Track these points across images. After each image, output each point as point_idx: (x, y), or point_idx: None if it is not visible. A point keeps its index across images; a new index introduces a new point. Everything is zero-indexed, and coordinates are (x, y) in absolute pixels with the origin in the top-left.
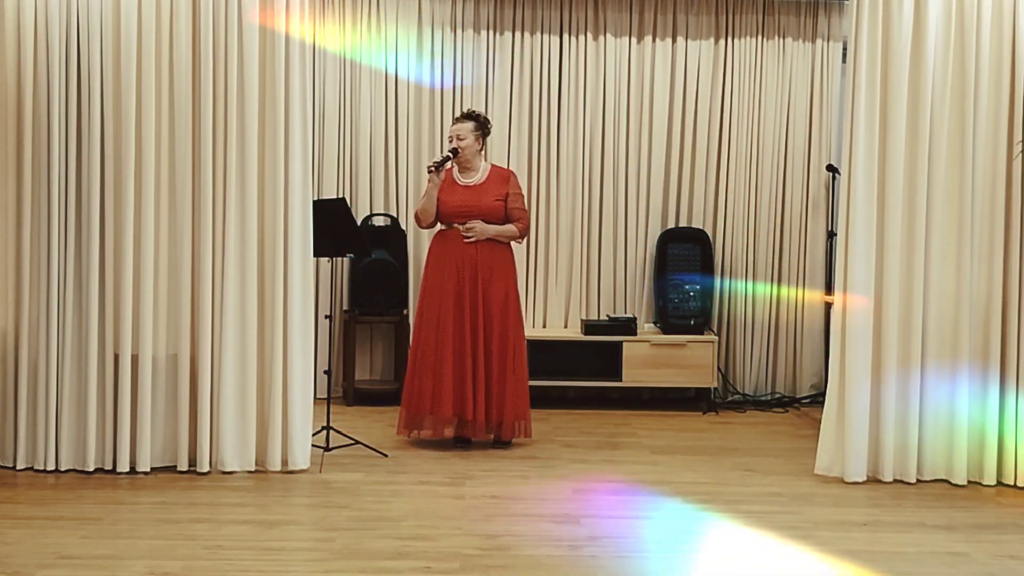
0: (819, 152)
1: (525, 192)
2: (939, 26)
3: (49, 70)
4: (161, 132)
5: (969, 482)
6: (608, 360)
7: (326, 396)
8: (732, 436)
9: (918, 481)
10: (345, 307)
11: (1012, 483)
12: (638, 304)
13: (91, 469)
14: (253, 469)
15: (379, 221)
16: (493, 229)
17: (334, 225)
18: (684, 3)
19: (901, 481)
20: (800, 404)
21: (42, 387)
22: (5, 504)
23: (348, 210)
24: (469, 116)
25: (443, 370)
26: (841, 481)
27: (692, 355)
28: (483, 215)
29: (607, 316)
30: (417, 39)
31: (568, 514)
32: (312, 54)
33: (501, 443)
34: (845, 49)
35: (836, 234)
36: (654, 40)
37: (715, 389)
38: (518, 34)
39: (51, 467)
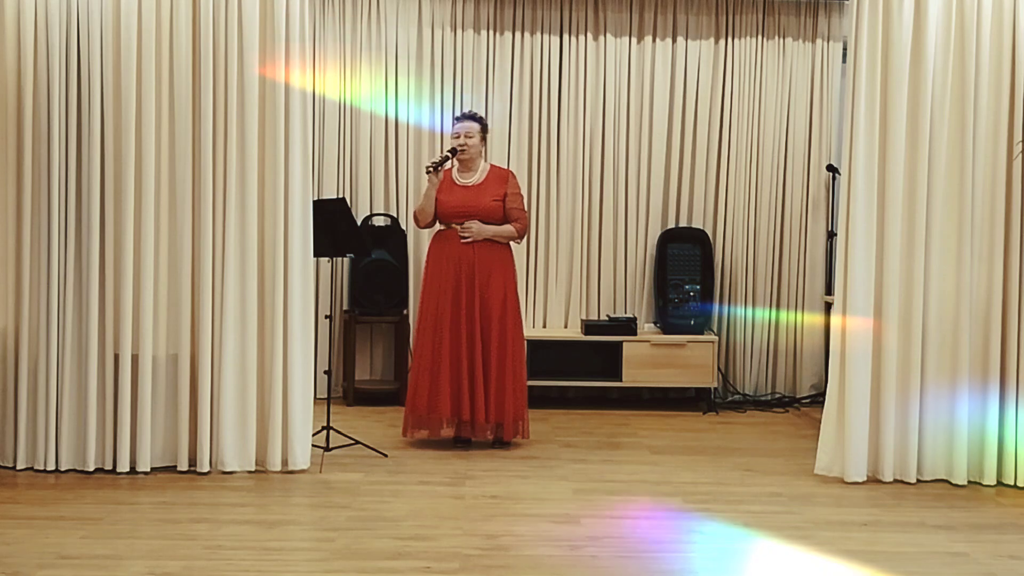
0: (819, 152)
1: (525, 192)
2: (939, 26)
3: (49, 70)
4: (161, 132)
5: (969, 482)
6: (608, 360)
7: (326, 396)
8: (732, 436)
9: (918, 481)
10: (345, 307)
11: (1012, 483)
12: (638, 304)
13: (91, 469)
14: (253, 469)
15: (379, 221)
16: (490, 230)
17: (334, 225)
18: (684, 3)
19: (901, 481)
20: (800, 404)
21: (42, 387)
22: (5, 504)
23: (348, 210)
24: (472, 117)
25: (440, 370)
26: (841, 481)
27: (692, 355)
28: (481, 215)
29: (607, 316)
30: (417, 39)
31: (568, 514)
32: (312, 54)
33: (501, 443)
34: (845, 49)
35: (836, 234)
36: (654, 40)
37: (715, 389)
38: (518, 34)
39: (51, 467)
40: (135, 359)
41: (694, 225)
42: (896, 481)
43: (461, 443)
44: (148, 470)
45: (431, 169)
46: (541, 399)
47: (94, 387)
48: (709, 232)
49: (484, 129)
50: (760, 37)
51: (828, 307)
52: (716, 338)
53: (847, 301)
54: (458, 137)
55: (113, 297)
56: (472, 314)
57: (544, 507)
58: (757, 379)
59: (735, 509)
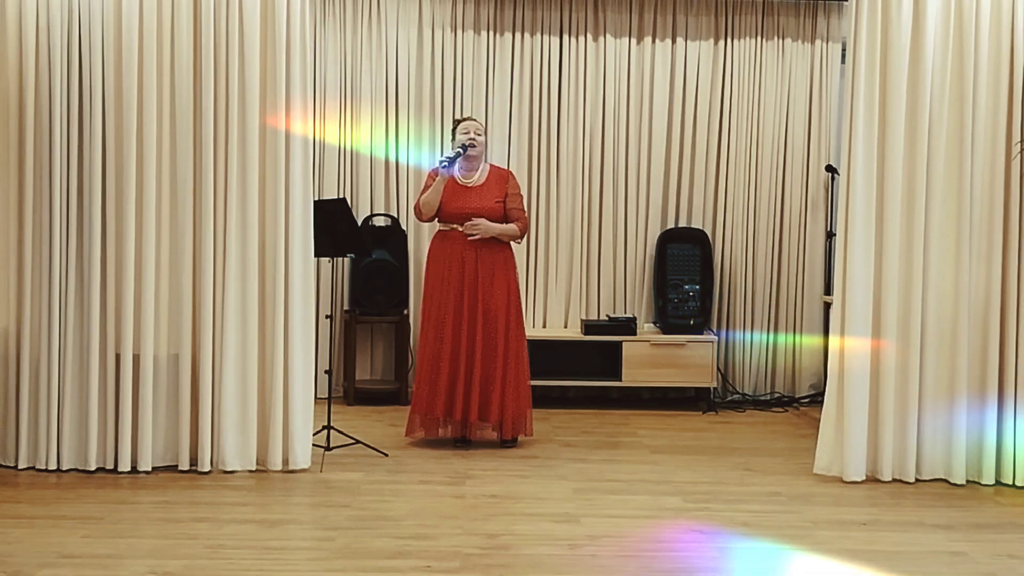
0: (818, 152)
1: (525, 192)
2: (938, 26)
3: (51, 70)
4: (162, 132)
5: (968, 481)
6: (608, 360)
7: (327, 396)
8: (732, 436)
9: (917, 480)
10: (345, 307)
11: (1011, 483)
12: (638, 304)
13: (93, 468)
14: (254, 468)
15: (379, 221)
16: (497, 228)
17: (334, 225)
18: (684, 4)
19: (900, 480)
20: (799, 404)
21: (44, 387)
22: (7, 503)
23: (348, 210)
24: (473, 120)
25: (441, 371)
26: (840, 480)
27: (692, 355)
28: (484, 216)
29: (607, 316)
30: (417, 39)
31: (568, 514)
32: (313, 52)
33: (507, 443)
34: (844, 50)
35: (835, 234)
36: (654, 41)
37: (715, 389)
38: (518, 35)
39: (53, 466)
40: (136, 359)
41: (694, 225)
42: (895, 480)
43: (461, 443)
44: (149, 469)
45: (446, 164)
46: (541, 399)
47: (95, 387)
48: (709, 232)
49: (485, 130)
50: (759, 38)
51: (827, 307)
52: (716, 338)
53: (846, 301)
54: (467, 133)
55: (114, 297)
56: (475, 314)
57: (544, 507)
58: (756, 379)
59: (734, 508)
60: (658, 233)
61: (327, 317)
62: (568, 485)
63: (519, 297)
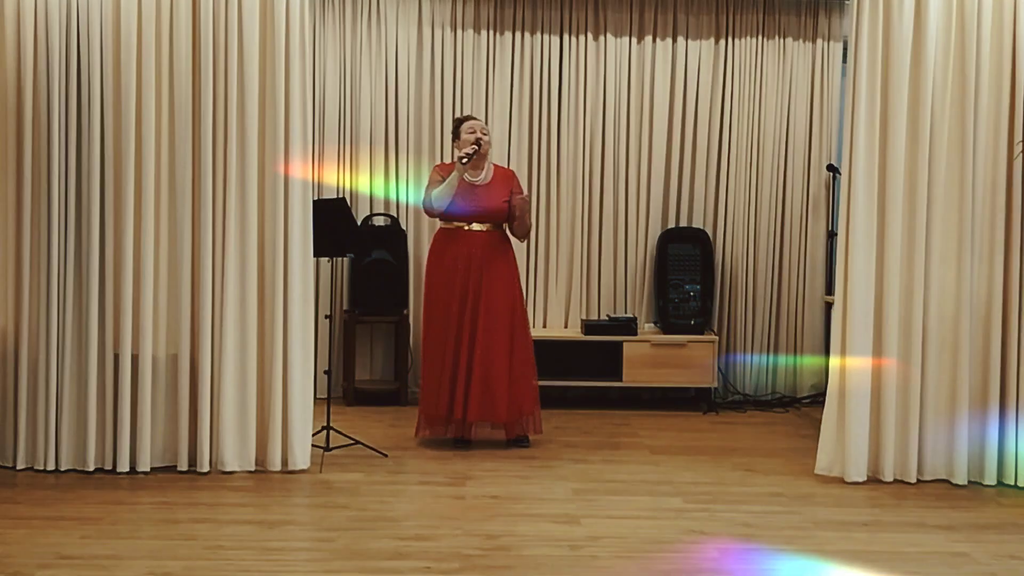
0: (819, 152)
1: (525, 191)
2: (939, 26)
3: (49, 70)
4: (161, 132)
5: (970, 482)
6: (608, 360)
7: (326, 396)
8: (732, 436)
9: (918, 481)
10: (345, 307)
11: (1013, 483)
12: (638, 304)
13: (91, 469)
14: (253, 469)
15: (379, 221)
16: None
17: (334, 225)
18: (684, 3)
19: (901, 481)
20: (800, 404)
21: (42, 387)
22: (5, 504)
23: (348, 210)
24: (476, 119)
25: (445, 369)
26: (841, 481)
27: (692, 355)
28: (492, 215)
29: (607, 316)
30: (417, 39)
31: (569, 515)
32: (312, 53)
33: (514, 442)
34: (845, 49)
35: (836, 234)
36: (654, 40)
37: (715, 389)
38: (518, 34)
39: (51, 467)
40: (135, 359)
41: (694, 225)
42: (896, 481)
43: (461, 443)
44: (148, 470)
45: (465, 160)
46: (542, 399)
47: (94, 387)
48: (709, 232)
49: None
50: (760, 37)
51: (828, 307)
52: (716, 338)
53: (847, 301)
54: (474, 132)
55: (113, 297)
56: (478, 313)
57: (544, 507)
58: (757, 379)
59: (735, 509)
60: (659, 233)
61: (326, 317)
62: (568, 486)
63: (523, 294)
